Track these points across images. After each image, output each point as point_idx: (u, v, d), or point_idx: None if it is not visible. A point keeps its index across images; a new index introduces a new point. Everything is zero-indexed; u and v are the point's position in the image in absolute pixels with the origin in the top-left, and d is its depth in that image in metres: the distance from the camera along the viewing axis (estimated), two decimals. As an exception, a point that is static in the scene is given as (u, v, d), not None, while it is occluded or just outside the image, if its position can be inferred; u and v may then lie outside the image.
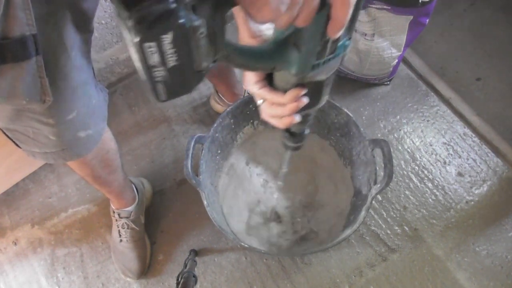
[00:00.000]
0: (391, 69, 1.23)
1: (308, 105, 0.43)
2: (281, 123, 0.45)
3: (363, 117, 1.29)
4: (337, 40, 0.35)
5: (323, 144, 1.14)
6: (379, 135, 1.25)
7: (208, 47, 0.31)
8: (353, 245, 1.10)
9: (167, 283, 1.11)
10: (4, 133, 0.67)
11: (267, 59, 0.37)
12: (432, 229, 1.11)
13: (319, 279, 1.07)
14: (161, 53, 0.29)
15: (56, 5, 0.53)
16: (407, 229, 1.11)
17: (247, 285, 1.08)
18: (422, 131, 1.25)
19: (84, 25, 0.60)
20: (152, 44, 0.28)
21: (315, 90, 0.42)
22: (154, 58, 0.29)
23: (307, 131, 0.55)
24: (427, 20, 1.05)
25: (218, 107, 1.30)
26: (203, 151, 0.95)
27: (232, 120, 1.05)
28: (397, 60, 1.20)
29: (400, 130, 1.26)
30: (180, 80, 0.32)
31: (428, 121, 1.27)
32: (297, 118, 0.44)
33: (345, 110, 0.98)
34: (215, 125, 0.98)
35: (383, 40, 1.12)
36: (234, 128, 1.09)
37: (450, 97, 1.30)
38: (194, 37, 0.29)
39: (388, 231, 1.11)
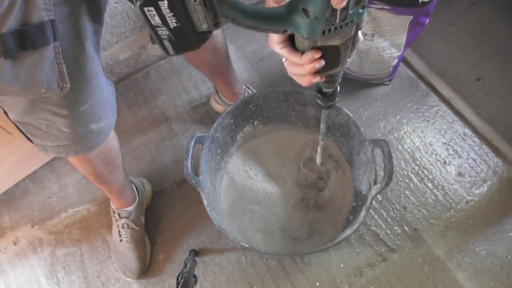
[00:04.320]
0: (391, 69, 1.23)
1: (328, 66, 0.45)
2: (302, 81, 0.48)
3: (363, 117, 1.29)
4: (346, 8, 0.36)
5: (328, 140, 1.13)
6: (379, 135, 1.25)
7: (205, 12, 0.35)
8: (353, 245, 1.10)
9: (167, 283, 1.11)
10: (17, 127, 0.67)
11: (278, 22, 0.39)
12: (432, 229, 1.11)
13: (319, 279, 1.07)
14: (161, 16, 0.34)
15: None
16: (407, 229, 1.11)
17: (247, 285, 1.08)
18: (422, 131, 1.25)
19: (97, 15, 0.60)
20: (151, 8, 0.33)
21: (332, 54, 0.43)
22: (156, 19, 0.35)
23: (337, 90, 0.58)
24: (427, 20, 1.05)
25: (218, 107, 1.30)
26: (203, 151, 0.95)
27: (232, 120, 1.05)
28: (397, 60, 1.20)
29: (400, 130, 1.26)
30: (184, 39, 0.37)
31: (428, 121, 1.27)
32: (317, 79, 0.46)
33: (345, 110, 0.98)
34: (215, 125, 0.99)
35: (383, 40, 1.12)
36: (234, 128, 1.09)
37: (450, 97, 1.30)
38: (189, 4, 0.33)
39: (388, 231, 1.11)
